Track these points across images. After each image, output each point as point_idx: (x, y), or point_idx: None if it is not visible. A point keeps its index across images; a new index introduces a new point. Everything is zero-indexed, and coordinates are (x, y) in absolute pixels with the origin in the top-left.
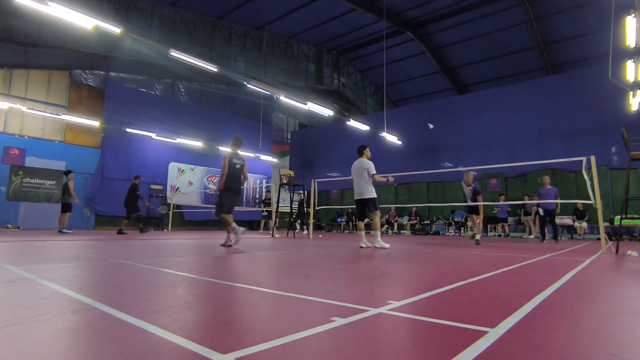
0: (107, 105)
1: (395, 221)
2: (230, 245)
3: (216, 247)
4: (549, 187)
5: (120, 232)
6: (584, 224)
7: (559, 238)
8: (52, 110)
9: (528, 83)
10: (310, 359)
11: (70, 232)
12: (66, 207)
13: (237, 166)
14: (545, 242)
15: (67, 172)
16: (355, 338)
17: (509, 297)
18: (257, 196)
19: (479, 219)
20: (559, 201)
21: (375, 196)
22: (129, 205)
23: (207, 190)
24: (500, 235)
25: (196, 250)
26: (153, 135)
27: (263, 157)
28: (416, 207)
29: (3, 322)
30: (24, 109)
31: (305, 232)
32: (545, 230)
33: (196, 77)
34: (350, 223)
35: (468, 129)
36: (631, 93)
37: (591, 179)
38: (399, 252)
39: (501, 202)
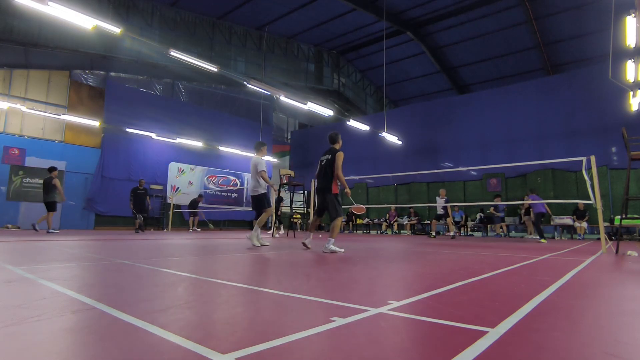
0: (107, 105)
1: (395, 221)
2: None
3: (215, 246)
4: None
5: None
6: (584, 224)
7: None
8: (52, 110)
9: (528, 83)
10: (310, 359)
11: (57, 231)
12: (51, 206)
13: (322, 162)
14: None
15: (51, 169)
16: (355, 338)
17: (509, 297)
18: None
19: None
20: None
21: (265, 191)
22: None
23: (207, 190)
24: (500, 235)
25: (196, 250)
26: (153, 135)
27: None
28: (413, 207)
29: (3, 322)
30: (24, 109)
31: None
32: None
33: (196, 77)
34: (350, 223)
35: (468, 129)
36: (631, 93)
37: (591, 179)
38: (399, 252)
39: (495, 203)
